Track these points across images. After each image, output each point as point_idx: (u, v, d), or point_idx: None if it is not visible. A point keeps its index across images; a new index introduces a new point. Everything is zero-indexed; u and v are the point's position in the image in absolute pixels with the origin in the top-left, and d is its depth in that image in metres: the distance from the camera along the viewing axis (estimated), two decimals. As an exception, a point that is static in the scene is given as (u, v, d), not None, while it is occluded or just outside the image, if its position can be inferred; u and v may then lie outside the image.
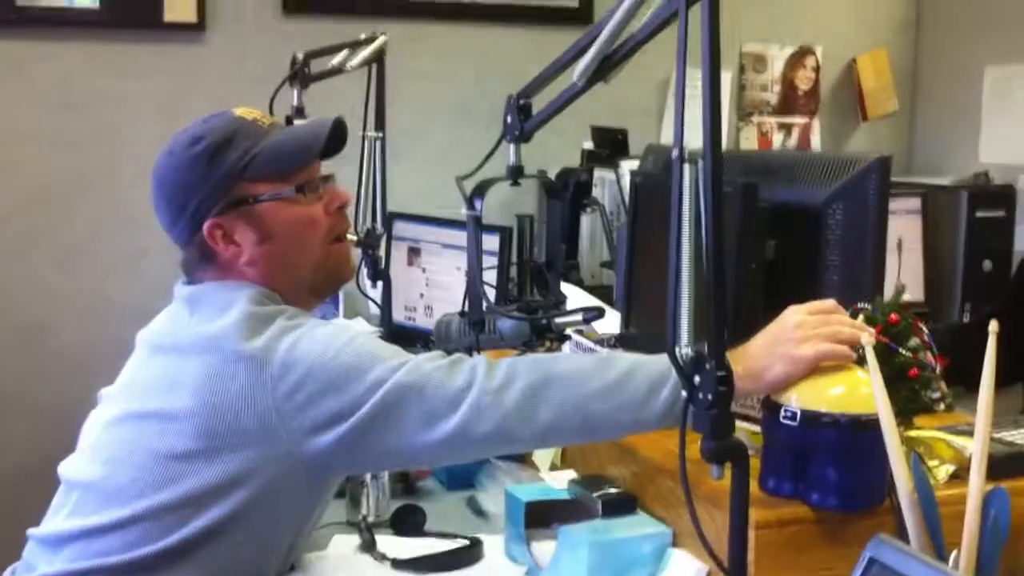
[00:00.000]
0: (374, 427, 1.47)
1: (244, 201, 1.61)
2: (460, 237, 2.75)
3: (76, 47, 3.23)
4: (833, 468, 1.40)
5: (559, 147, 3.53)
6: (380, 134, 2.29)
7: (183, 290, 1.65)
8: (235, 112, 1.67)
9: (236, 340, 1.51)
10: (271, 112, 2.36)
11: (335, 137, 1.66)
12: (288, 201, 1.63)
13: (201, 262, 1.64)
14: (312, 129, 1.67)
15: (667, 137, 3.78)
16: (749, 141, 3.99)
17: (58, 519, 1.60)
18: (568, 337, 1.87)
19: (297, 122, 2.28)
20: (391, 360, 1.50)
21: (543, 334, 1.67)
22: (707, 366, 1.23)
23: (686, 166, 1.27)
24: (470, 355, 1.55)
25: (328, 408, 1.47)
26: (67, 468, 1.65)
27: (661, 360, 1.42)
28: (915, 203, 3.20)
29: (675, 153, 1.26)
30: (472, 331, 1.70)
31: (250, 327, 1.52)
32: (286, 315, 1.56)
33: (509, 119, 1.66)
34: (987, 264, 3.24)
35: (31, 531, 1.63)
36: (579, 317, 1.63)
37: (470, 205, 1.65)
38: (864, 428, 1.36)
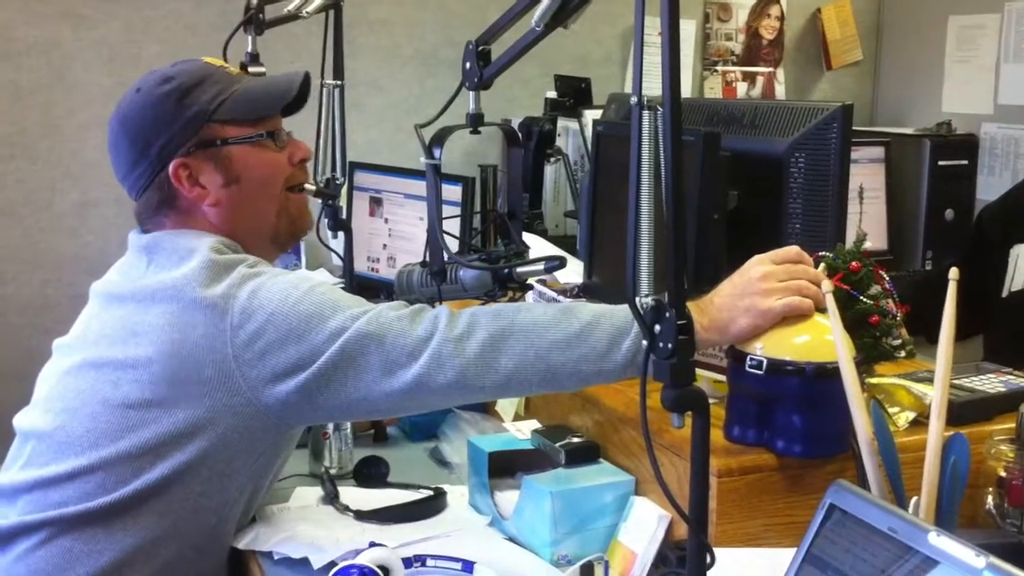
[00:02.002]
0: (334, 376, 1.45)
1: (213, 142, 1.60)
2: (423, 187, 2.73)
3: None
4: (798, 415, 1.41)
5: (524, 96, 3.51)
6: (339, 82, 2.24)
7: (139, 239, 1.63)
8: (204, 59, 1.68)
9: (196, 288, 1.49)
10: (224, 58, 2.32)
11: (302, 92, 1.67)
12: (257, 145, 1.63)
13: (161, 207, 1.62)
14: (282, 80, 1.68)
15: (630, 86, 3.75)
16: (713, 90, 3.98)
17: (12, 471, 1.59)
18: (531, 287, 1.86)
19: (253, 70, 2.24)
20: (352, 309, 1.49)
21: (505, 284, 1.66)
22: (667, 315, 1.22)
23: (645, 113, 1.25)
24: (432, 306, 1.54)
25: (287, 357, 1.46)
26: (22, 420, 1.63)
27: (624, 310, 1.42)
28: (878, 152, 3.21)
29: (634, 100, 1.25)
30: (433, 281, 1.69)
31: (210, 275, 1.50)
32: (247, 263, 1.55)
33: (468, 66, 1.63)
34: (949, 213, 3.26)
35: (-13, 484, 1.61)
36: (541, 267, 1.62)
37: (429, 154, 1.62)
38: (829, 376, 1.36)
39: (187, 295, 1.49)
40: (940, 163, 3.31)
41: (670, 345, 1.22)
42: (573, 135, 3.21)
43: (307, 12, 2.24)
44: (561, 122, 3.22)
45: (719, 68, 4.00)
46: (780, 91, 4.06)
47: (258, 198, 1.64)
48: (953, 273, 1.27)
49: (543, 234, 2.78)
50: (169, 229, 1.62)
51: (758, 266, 1.46)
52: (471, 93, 1.65)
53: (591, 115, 3.03)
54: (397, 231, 2.86)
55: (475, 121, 1.65)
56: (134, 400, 1.49)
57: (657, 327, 1.23)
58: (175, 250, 1.57)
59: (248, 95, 1.64)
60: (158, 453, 1.49)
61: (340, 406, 1.49)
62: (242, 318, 1.47)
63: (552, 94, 3.38)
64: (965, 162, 3.37)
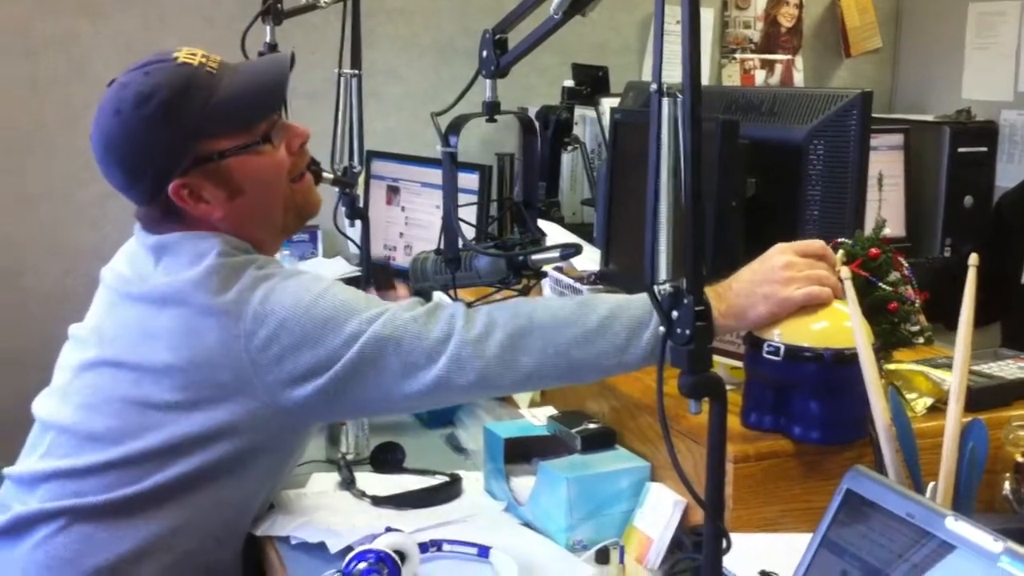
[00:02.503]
0: (352, 380, 1.45)
1: (209, 158, 1.53)
2: (440, 176, 2.73)
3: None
4: (816, 402, 1.41)
5: (541, 85, 3.51)
6: (357, 71, 2.25)
7: (147, 238, 1.58)
8: (177, 58, 1.55)
9: (206, 293, 1.47)
10: (242, 49, 2.32)
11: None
12: (254, 152, 1.56)
13: (166, 219, 1.57)
14: (269, 71, 1.59)
15: (648, 75, 3.73)
16: (732, 78, 3.96)
17: (32, 458, 1.59)
18: (545, 274, 1.86)
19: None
20: (367, 311, 1.47)
21: (520, 271, 1.65)
22: (685, 301, 1.22)
23: (665, 100, 1.25)
24: (446, 292, 1.54)
25: (304, 362, 1.45)
26: (41, 407, 1.63)
27: (641, 301, 1.41)
28: (898, 139, 3.19)
29: (653, 87, 1.24)
30: (448, 269, 1.68)
31: (220, 279, 1.48)
32: (256, 264, 1.53)
33: (485, 54, 1.63)
34: (968, 200, 3.24)
35: (7, 470, 1.62)
36: (556, 254, 1.62)
37: (445, 142, 1.62)
38: (847, 362, 1.36)
39: (199, 300, 1.47)
40: (959, 150, 3.28)
41: (688, 331, 1.22)
42: (590, 123, 3.20)
43: (325, 2, 2.25)
44: (578, 110, 3.22)
45: (737, 56, 3.99)
46: (799, 78, 4.04)
47: (265, 202, 1.60)
48: (973, 259, 1.26)
49: (560, 222, 2.77)
50: (177, 232, 1.57)
51: (780, 255, 1.45)
52: (488, 81, 1.65)
53: (608, 103, 3.03)
54: (414, 219, 2.87)
55: (492, 109, 1.65)
56: (155, 401, 1.48)
57: (675, 313, 1.23)
58: (183, 252, 1.53)
59: (237, 101, 1.53)
60: (179, 452, 1.49)
61: (359, 407, 1.49)
62: (255, 323, 1.46)
63: (569, 83, 3.37)
64: (984, 149, 3.34)
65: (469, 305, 1.54)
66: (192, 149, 1.52)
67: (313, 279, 1.53)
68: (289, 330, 1.45)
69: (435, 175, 2.75)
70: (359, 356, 1.44)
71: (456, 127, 1.62)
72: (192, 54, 1.56)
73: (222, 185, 1.55)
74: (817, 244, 1.49)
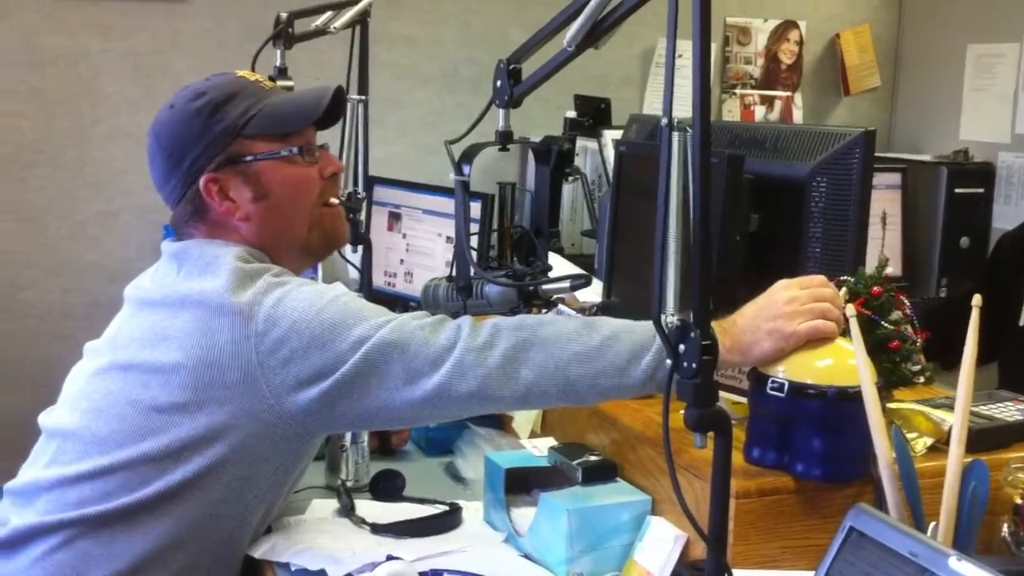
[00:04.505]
0: (356, 384, 1.47)
1: (241, 158, 1.62)
2: (442, 203, 2.76)
3: (47, 3, 3.18)
4: (819, 439, 1.41)
5: (541, 115, 3.53)
6: (364, 97, 2.27)
7: (170, 246, 1.65)
8: (238, 73, 1.69)
9: (222, 294, 1.51)
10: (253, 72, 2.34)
11: (334, 105, 1.67)
12: (285, 161, 1.64)
13: (192, 218, 1.64)
14: (313, 94, 1.68)
15: (649, 107, 3.77)
16: (732, 113, 3.99)
17: (35, 468, 1.60)
18: (555, 304, 1.87)
19: (280, 83, 2.26)
20: (375, 318, 1.50)
21: (530, 300, 1.67)
22: (692, 334, 1.23)
23: (675, 135, 1.26)
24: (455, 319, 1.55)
25: (311, 364, 1.47)
26: (48, 418, 1.65)
27: (646, 326, 1.43)
28: (895, 178, 3.22)
29: (664, 122, 1.26)
30: (459, 296, 1.70)
31: (237, 282, 1.52)
32: (272, 272, 1.57)
33: (499, 83, 1.64)
34: (964, 240, 3.27)
35: (7, 484, 1.63)
36: (566, 284, 1.63)
37: (458, 170, 1.64)
38: (851, 400, 1.37)
39: (214, 301, 1.51)
40: (956, 190, 3.32)
41: (694, 365, 1.23)
42: (591, 155, 3.22)
43: (335, 28, 2.27)
44: (580, 142, 3.23)
45: (738, 91, 4.01)
46: (798, 115, 4.07)
47: (287, 213, 1.65)
48: (976, 300, 1.28)
49: (560, 252, 2.78)
50: (199, 238, 1.64)
51: (784, 291, 1.47)
52: (500, 111, 1.67)
53: (610, 135, 3.05)
54: (415, 246, 2.87)
55: (505, 139, 1.67)
56: (162, 403, 1.50)
57: (682, 347, 1.25)
58: (202, 257, 1.59)
59: (277, 110, 1.64)
60: (180, 456, 1.50)
61: (362, 414, 1.50)
62: (267, 325, 1.49)
63: (572, 114, 3.39)
64: (981, 190, 3.38)
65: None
66: (229, 146, 1.61)
67: (326, 288, 1.57)
68: (299, 333, 1.48)
69: (437, 202, 2.79)
70: (364, 360, 1.46)
71: (469, 156, 1.64)
72: (251, 74, 1.70)
73: (249, 185, 1.62)
74: (818, 278, 1.50)
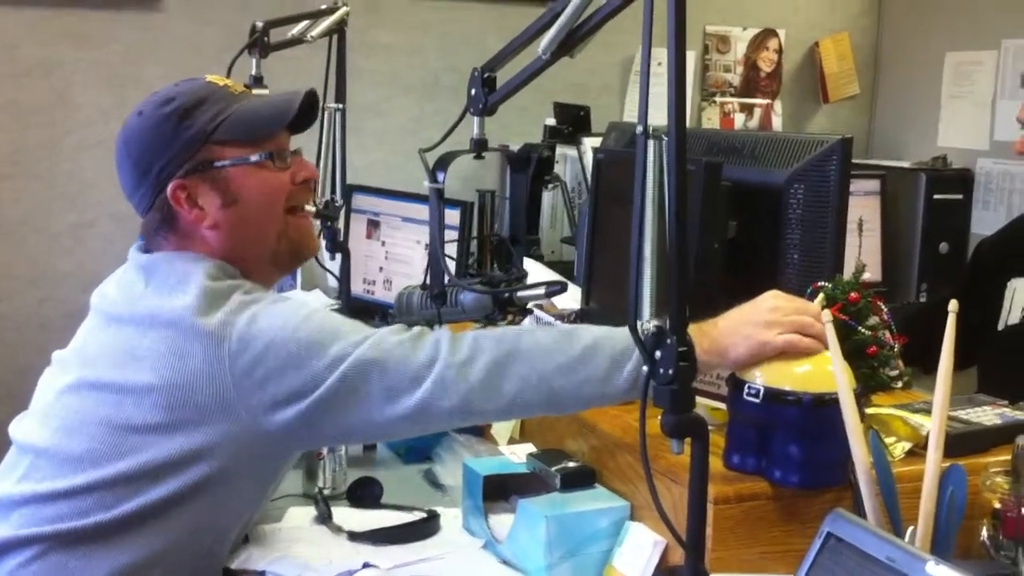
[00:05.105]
0: (335, 403, 1.45)
1: (210, 164, 1.58)
2: (421, 211, 2.75)
3: (25, 13, 3.17)
4: (796, 445, 1.41)
5: (521, 123, 3.53)
6: (341, 106, 2.26)
7: (139, 257, 1.62)
8: (207, 78, 1.66)
9: (193, 316, 1.48)
10: (228, 80, 2.33)
11: (307, 109, 1.65)
12: (256, 166, 1.60)
13: (161, 228, 1.61)
14: (284, 98, 1.65)
15: (629, 115, 3.78)
16: (711, 121, 4.00)
17: (8, 482, 1.57)
18: (530, 311, 1.87)
19: (256, 92, 2.25)
20: (352, 335, 1.48)
21: (505, 307, 1.66)
22: (668, 341, 1.23)
23: (650, 142, 1.26)
24: (431, 328, 1.54)
25: (288, 384, 1.45)
26: (18, 430, 1.62)
27: (625, 334, 1.42)
28: (874, 185, 3.23)
29: (639, 129, 1.26)
30: (434, 304, 1.69)
31: (207, 302, 1.49)
32: (243, 289, 1.54)
33: (473, 92, 1.64)
34: (943, 246, 3.28)
35: (-21, 497, 1.61)
36: (541, 291, 1.63)
37: (432, 178, 1.63)
38: (827, 406, 1.36)
39: (184, 322, 1.48)
40: (935, 196, 3.33)
41: (671, 371, 1.23)
42: (571, 161, 3.22)
43: (312, 36, 2.26)
44: (559, 149, 3.23)
45: (717, 99, 4.02)
46: (777, 123, 4.08)
47: (257, 220, 1.62)
48: (953, 305, 1.28)
49: (539, 259, 2.78)
50: (168, 251, 1.61)
51: (771, 299, 1.47)
52: (475, 119, 1.66)
53: (590, 143, 3.05)
54: (394, 254, 2.86)
55: (479, 146, 1.66)
56: (136, 423, 1.48)
57: (658, 353, 1.24)
58: (171, 273, 1.55)
59: (248, 115, 1.61)
60: (157, 476, 1.47)
61: (342, 432, 1.49)
62: (240, 345, 1.46)
63: (551, 121, 3.39)
64: (960, 196, 3.39)
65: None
66: (197, 152, 1.58)
67: (299, 304, 1.54)
68: (274, 353, 1.45)
69: (416, 210, 2.78)
70: (342, 379, 1.44)
71: (444, 163, 1.63)
72: (221, 79, 1.67)
73: (218, 192, 1.59)
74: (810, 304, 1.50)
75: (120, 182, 1.64)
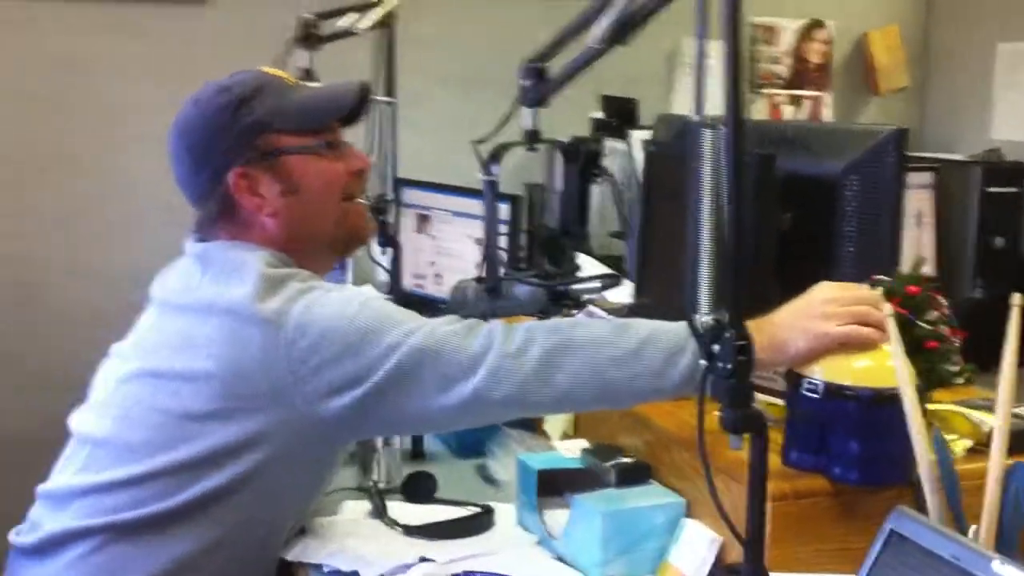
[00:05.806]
0: (390, 391, 1.45)
1: (271, 152, 1.59)
2: (471, 205, 2.75)
3: (71, 7, 3.19)
4: (855, 442, 1.39)
5: (566, 116, 3.49)
6: (392, 99, 2.26)
7: (194, 247, 1.63)
8: (262, 69, 1.67)
9: (251, 302, 1.49)
10: (280, 72, 2.34)
11: (360, 101, 1.65)
12: (315, 155, 1.62)
13: (219, 218, 1.62)
14: (340, 89, 1.66)
15: (677, 107, 3.75)
16: (760, 114, 3.97)
17: (67, 474, 1.60)
18: (585, 304, 1.86)
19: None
20: (407, 324, 1.48)
21: (559, 301, 1.66)
22: (727, 334, 1.22)
23: (706, 132, 1.25)
24: (486, 321, 1.54)
25: (343, 372, 1.46)
26: (78, 422, 1.64)
27: (680, 327, 1.41)
28: (927, 178, 3.19)
29: (696, 118, 1.25)
30: (488, 297, 1.69)
31: (264, 289, 1.50)
32: (299, 278, 1.55)
33: (526, 83, 1.63)
34: (998, 240, 3.23)
35: (40, 487, 1.63)
36: (596, 284, 1.62)
37: (486, 170, 1.63)
38: (887, 402, 1.34)
39: (243, 310, 1.49)
40: (989, 190, 3.28)
41: (729, 365, 1.22)
42: (620, 155, 3.21)
43: (361, 28, 2.26)
44: (607, 142, 3.21)
45: (765, 91, 3.99)
46: (827, 115, 4.04)
47: (316, 208, 1.63)
48: (1017, 299, 1.25)
49: (589, 254, 2.77)
50: (224, 240, 1.62)
51: (825, 290, 1.45)
52: (526, 110, 1.66)
53: (638, 135, 3.03)
54: (444, 248, 2.86)
55: (532, 138, 1.66)
56: (194, 411, 1.49)
57: (716, 347, 1.23)
58: (228, 262, 1.57)
59: (305, 105, 1.63)
60: (214, 464, 1.49)
61: (396, 420, 1.50)
62: (296, 333, 1.47)
63: (598, 114, 3.38)
64: (1015, 189, 3.34)
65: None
66: (257, 140, 1.59)
67: (354, 292, 1.56)
68: (330, 340, 1.46)
69: (466, 204, 2.77)
70: (397, 366, 1.45)
71: (497, 156, 1.63)
72: (276, 71, 1.68)
73: (279, 180, 1.60)
74: (864, 289, 1.48)
75: (174, 172, 1.65)
